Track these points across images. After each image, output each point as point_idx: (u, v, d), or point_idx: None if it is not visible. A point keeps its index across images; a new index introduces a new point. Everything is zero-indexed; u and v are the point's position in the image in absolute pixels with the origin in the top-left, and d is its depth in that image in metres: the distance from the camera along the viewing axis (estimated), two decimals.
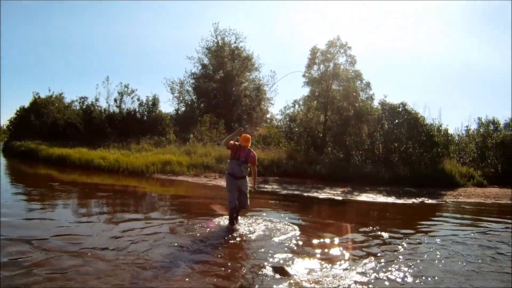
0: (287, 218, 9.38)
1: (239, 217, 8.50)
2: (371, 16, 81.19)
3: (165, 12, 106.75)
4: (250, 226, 8.20)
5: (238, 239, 7.24)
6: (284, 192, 14.70)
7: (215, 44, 37.39)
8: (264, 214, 9.73)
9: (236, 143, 8.19)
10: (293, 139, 24.17)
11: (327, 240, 7.39)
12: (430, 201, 13.76)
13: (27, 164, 23.13)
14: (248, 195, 8.20)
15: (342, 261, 6.04)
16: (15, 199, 11.11)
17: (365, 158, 20.30)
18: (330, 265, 5.80)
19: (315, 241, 7.26)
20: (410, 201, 13.55)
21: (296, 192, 14.60)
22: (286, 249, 6.66)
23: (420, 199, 13.89)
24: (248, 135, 8.25)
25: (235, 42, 37.59)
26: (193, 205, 11.60)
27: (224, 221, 8.51)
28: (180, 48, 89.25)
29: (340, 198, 13.81)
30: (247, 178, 8.32)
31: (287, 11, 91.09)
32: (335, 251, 6.66)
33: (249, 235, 7.50)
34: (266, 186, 16.02)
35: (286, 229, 8.14)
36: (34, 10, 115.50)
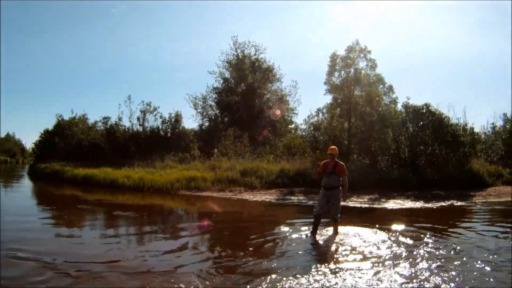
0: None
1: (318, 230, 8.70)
2: (385, 18, 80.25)
3: (183, 30, 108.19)
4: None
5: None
6: (311, 202, 14.61)
7: (235, 57, 37.74)
8: (290, 228, 9.71)
9: (324, 161, 8.78)
10: (318, 148, 24.09)
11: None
12: (459, 203, 13.60)
13: (53, 186, 23.27)
14: (337, 208, 8.52)
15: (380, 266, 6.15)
16: (42, 223, 11.03)
17: (392, 163, 20.11)
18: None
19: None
20: (438, 204, 13.40)
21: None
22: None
23: (449, 202, 13.73)
24: (332, 146, 8.96)
25: (255, 54, 37.96)
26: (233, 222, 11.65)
27: (293, 233, 8.87)
28: (201, 64, 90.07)
29: (367, 205, 13.76)
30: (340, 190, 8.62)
31: (301, 19, 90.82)
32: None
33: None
34: (292, 197, 16.03)
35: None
36: (54, 32, 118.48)
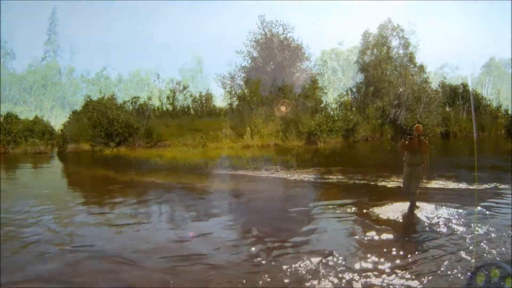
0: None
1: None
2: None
3: (208, 9, 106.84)
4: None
5: None
6: (351, 182, 14.44)
7: (263, 37, 37.52)
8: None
9: (408, 137, 8.92)
10: (350, 128, 24.05)
11: None
12: (502, 186, 13.17)
13: (83, 167, 22.48)
14: (418, 183, 9.10)
15: None
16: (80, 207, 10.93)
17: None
18: None
19: None
20: (482, 187, 13.03)
21: (362, 182, 14.44)
22: None
23: (492, 185, 13.27)
24: (418, 125, 9.10)
25: (282, 33, 37.62)
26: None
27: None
28: (230, 42, 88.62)
29: None
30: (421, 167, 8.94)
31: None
32: None
33: None
34: (331, 176, 15.72)
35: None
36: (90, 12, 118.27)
